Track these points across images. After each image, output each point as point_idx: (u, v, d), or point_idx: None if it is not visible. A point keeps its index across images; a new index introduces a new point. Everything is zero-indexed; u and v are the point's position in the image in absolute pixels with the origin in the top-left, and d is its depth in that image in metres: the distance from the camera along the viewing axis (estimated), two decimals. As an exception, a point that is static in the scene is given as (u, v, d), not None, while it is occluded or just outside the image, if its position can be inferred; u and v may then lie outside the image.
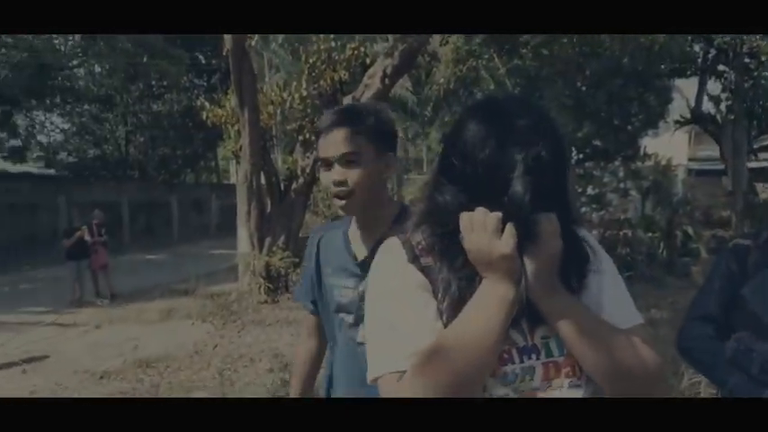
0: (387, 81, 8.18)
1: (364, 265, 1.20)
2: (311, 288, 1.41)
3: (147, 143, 20.46)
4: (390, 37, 8.82)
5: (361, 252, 1.32)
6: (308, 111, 8.49)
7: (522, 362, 0.91)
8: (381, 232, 1.20)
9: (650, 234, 9.08)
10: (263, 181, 8.21)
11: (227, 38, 7.64)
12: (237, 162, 8.83)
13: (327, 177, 1.27)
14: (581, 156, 9.87)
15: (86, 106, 19.99)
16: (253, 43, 9.93)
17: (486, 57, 10.15)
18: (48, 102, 18.65)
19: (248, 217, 8.13)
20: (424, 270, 0.95)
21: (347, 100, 8.16)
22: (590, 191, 9.68)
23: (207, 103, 9.01)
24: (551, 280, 0.91)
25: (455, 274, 0.94)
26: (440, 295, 0.93)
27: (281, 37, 14.72)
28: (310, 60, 8.71)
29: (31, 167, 20.10)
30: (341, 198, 1.27)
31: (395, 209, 1.34)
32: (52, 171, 20.09)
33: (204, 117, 8.90)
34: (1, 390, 4.64)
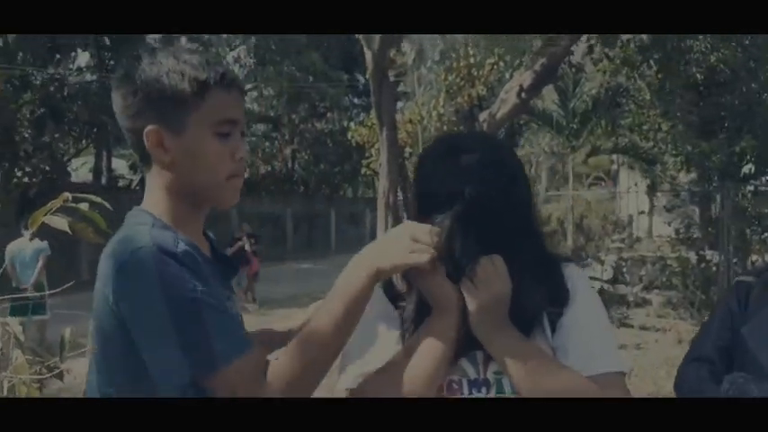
0: (523, 95, 8.05)
1: None
2: None
3: (310, 160, 21.94)
4: (528, 50, 8.66)
5: None
6: (445, 128, 8.61)
7: (470, 394, 0.92)
8: None
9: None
10: (400, 196, 8.45)
11: (369, 60, 8.04)
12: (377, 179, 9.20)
13: (231, 149, 0.95)
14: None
15: (258, 126, 21.98)
16: (409, 62, 10.28)
17: (644, 65, 9.53)
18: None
19: (386, 231, 8.40)
20: (399, 296, 1.01)
21: (483, 116, 8.17)
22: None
23: (352, 124, 9.51)
24: (496, 320, 0.92)
25: (414, 305, 0.98)
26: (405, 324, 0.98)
27: (437, 55, 15.05)
28: (449, 78, 8.85)
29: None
30: (239, 177, 0.98)
31: None
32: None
33: (350, 136, 9.41)
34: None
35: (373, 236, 9.46)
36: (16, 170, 14.25)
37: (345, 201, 23.53)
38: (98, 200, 1.65)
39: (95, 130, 15.91)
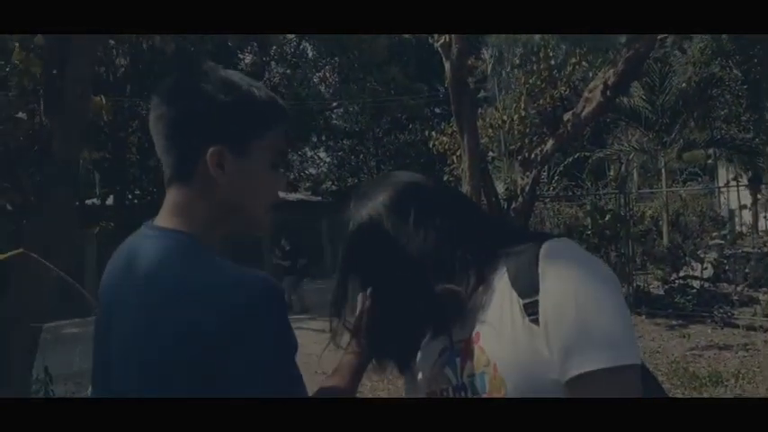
0: (608, 93, 7.89)
1: None
2: None
3: (393, 171, 22.19)
4: (612, 47, 8.49)
5: None
6: (527, 131, 8.58)
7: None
8: None
9: None
10: (484, 201, 8.49)
11: (447, 69, 8.17)
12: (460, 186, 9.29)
13: (279, 181, 0.99)
14: None
15: (345, 141, 22.59)
16: (489, 68, 10.29)
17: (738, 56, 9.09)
18: (315, 140, 21.60)
19: (471, 236, 8.44)
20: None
21: (567, 116, 8.07)
22: None
23: (433, 133, 9.66)
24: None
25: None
26: None
27: (516, 59, 14.93)
28: (530, 81, 8.82)
29: (302, 195, 23.42)
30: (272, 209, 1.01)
31: None
32: (319, 198, 23.13)
33: (431, 145, 9.56)
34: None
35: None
36: (127, 193, 15.59)
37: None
38: None
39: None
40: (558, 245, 0.93)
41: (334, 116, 22.11)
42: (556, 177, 13.86)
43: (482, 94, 18.91)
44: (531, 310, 0.88)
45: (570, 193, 12.48)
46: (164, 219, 0.92)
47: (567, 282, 0.87)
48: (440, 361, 1.00)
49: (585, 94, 8.14)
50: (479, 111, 9.17)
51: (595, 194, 11.10)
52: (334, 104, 21.25)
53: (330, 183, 24.00)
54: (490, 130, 8.90)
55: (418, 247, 0.97)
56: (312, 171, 24.35)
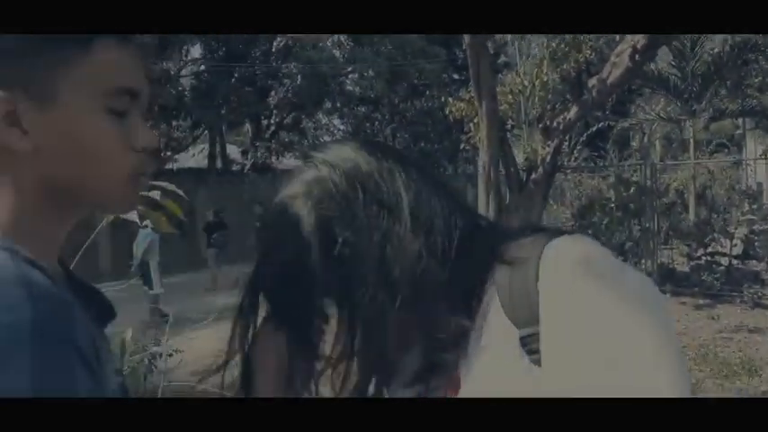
0: (637, 57, 7.43)
1: None
2: None
3: (410, 139, 21.89)
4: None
5: None
6: (549, 97, 8.18)
7: None
8: None
9: None
10: (502, 171, 8.17)
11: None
12: (477, 154, 8.94)
13: (128, 133, 0.64)
14: None
15: (359, 108, 22.20)
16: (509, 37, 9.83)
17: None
18: (329, 106, 21.25)
19: (487, 208, 8.19)
20: None
21: (592, 82, 7.67)
22: None
23: (449, 98, 9.29)
24: None
25: None
26: None
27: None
28: (553, 45, 8.37)
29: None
30: (140, 176, 0.68)
31: None
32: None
33: (447, 112, 9.20)
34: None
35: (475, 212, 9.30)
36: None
37: (446, 178, 23.28)
38: (172, 187, 1.62)
39: (208, 117, 16.77)
40: (566, 246, 0.64)
41: (348, 81, 21.66)
42: (578, 147, 13.44)
43: (502, 58, 18.35)
44: (532, 346, 0.62)
45: (593, 164, 12.08)
46: None
47: (580, 303, 0.59)
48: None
49: (612, 58, 7.70)
50: (499, 76, 8.75)
51: (619, 165, 10.72)
52: (349, 69, 20.77)
53: (344, 150, 23.71)
54: (510, 97, 8.51)
55: (377, 255, 0.67)
56: (326, 138, 24.04)
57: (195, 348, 5.22)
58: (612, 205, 8.97)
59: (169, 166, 17.65)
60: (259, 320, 0.76)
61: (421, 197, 0.69)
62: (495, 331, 0.65)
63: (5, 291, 0.53)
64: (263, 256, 0.74)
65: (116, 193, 0.65)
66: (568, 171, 10.93)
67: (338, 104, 21.44)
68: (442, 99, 10.63)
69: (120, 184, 0.64)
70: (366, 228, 0.67)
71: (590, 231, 8.93)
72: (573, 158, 12.69)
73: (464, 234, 0.70)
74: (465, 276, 0.68)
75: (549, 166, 8.03)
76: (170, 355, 3.66)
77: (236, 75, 17.62)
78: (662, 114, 11.46)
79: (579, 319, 0.59)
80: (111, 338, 0.81)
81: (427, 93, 21.45)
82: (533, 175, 8.21)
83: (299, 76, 18.80)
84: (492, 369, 0.65)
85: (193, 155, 19.37)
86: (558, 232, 0.68)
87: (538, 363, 0.61)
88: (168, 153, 17.99)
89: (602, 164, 11.75)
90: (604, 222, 8.91)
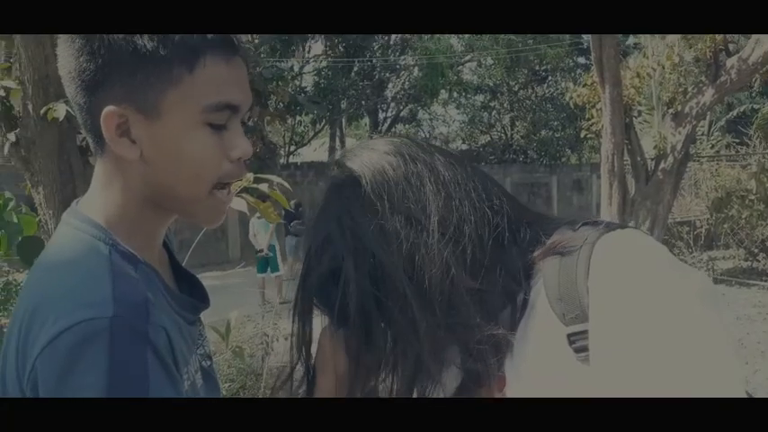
0: (787, 32, 6.69)
1: None
2: None
3: (529, 127, 21.27)
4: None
5: None
6: (682, 80, 7.59)
7: None
8: None
9: None
10: (627, 159, 7.72)
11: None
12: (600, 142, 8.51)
13: (226, 145, 0.70)
14: None
15: (476, 97, 21.88)
16: None
17: None
18: (446, 96, 21.16)
19: (610, 201, 7.77)
20: None
21: (732, 62, 7.03)
22: None
23: (571, 84, 8.91)
24: None
25: None
26: None
27: None
28: (687, 22, 7.74)
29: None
30: (229, 187, 0.74)
31: None
32: (450, 158, 22.81)
33: (568, 98, 8.82)
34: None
35: (599, 203, 8.82)
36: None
37: (568, 167, 22.35)
38: (279, 179, 1.70)
39: (329, 112, 17.32)
40: (620, 242, 0.62)
41: (465, 70, 21.40)
42: (716, 133, 12.33)
43: (631, 39, 17.25)
44: (579, 344, 0.61)
45: (733, 152, 11.04)
46: (87, 200, 0.73)
47: (633, 302, 0.57)
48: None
49: (754, 35, 7.01)
50: (625, 59, 8.23)
51: (763, 153, 9.70)
52: (467, 58, 20.51)
53: (461, 141, 23.48)
54: (637, 80, 7.97)
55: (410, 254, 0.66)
56: (442, 130, 23.94)
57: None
58: (753, 197, 8.15)
59: (293, 159, 18.48)
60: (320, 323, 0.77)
61: (450, 203, 0.67)
62: (543, 326, 0.64)
63: (93, 286, 0.62)
64: (309, 261, 0.73)
65: (206, 201, 0.70)
66: (704, 160, 10.08)
67: (455, 94, 21.27)
68: (564, 85, 10.18)
69: (210, 191, 0.70)
70: (394, 238, 0.66)
71: (726, 225, 8.21)
72: (710, 146, 11.68)
73: (501, 236, 0.68)
74: (501, 281, 0.66)
75: (680, 155, 7.46)
76: (286, 339, 3.86)
77: (355, 69, 18.03)
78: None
79: (631, 318, 0.56)
80: (215, 323, 0.86)
81: (549, 79, 20.69)
82: (662, 165, 7.67)
83: (415, 68, 18.89)
84: (537, 366, 0.63)
85: (315, 149, 20.13)
86: (611, 226, 0.65)
87: (585, 361, 0.59)
88: (292, 148, 18.84)
89: (743, 152, 10.69)
90: (744, 216, 8.13)
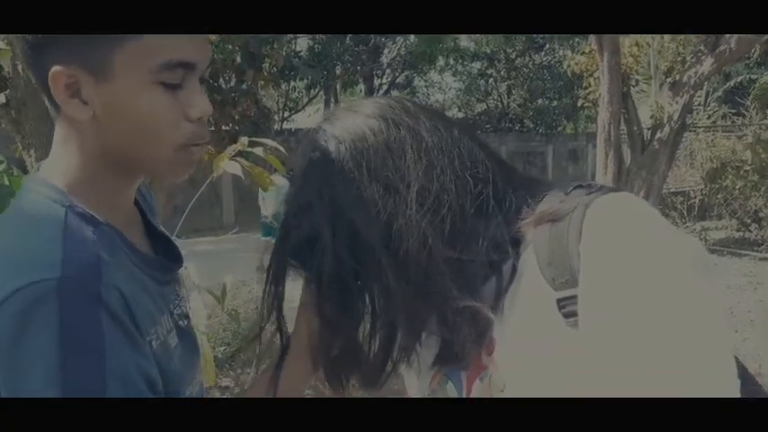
0: (788, 1, 6.62)
1: None
2: None
3: (525, 95, 21.12)
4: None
5: None
6: (681, 49, 7.52)
7: None
8: None
9: None
10: (623, 129, 7.69)
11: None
12: (596, 111, 8.46)
13: (184, 104, 0.67)
14: None
15: (473, 64, 21.65)
16: None
17: None
18: (442, 63, 20.92)
19: (605, 170, 7.77)
20: None
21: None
22: None
23: (569, 52, 8.81)
24: None
25: None
26: None
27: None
28: (688, -11, 7.63)
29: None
30: (195, 146, 0.70)
31: None
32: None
33: (565, 66, 8.74)
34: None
35: (594, 173, 8.82)
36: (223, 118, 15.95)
37: (564, 137, 22.29)
38: (273, 143, 1.68)
39: (323, 77, 17.09)
40: (613, 206, 0.61)
41: (462, 37, 21.12)
42: (713, 104, 12.28)
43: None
44: (569, 309, 0.60)
45: (729, 122, 11.01)
46: (48, 163, 0.71)
47: (624, 267, 0.56)
48: (435, 373, 0.74)
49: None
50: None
51: (760, 124, 9.69)
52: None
53: (457, 109, 23.31)
54: (635, 49, 7.89)
55: (396, 217, 0.65)
56: (438, 97, 23.73)
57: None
58: (748, 168, 8.16)
59: (287, 125, 18.32)
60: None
61: (431, 172, 0.66)
62: (531, 291, 0.63)
63: (44, 248, 0.61)
64: (287, 226, 0.72)
65: (169, 162, 0.69)
66: (700, 130, 10.06)
67: (452, 61, 21.03)
68: (561, 53, 10.07)
69: (172, 152, 0.68)
70: (371, 207, 0.64)
71: (720, 196, 8.24)
72: (706, 116, 11.64)
73: (486, 204, 0.67)
74: (484, 251, 0.65)
75: (676, 125, 7.43)
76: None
77: (349, 34, 17.75)
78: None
79: (622, 283, 0.55)
80: (210, 287, 0.87)
81: (547, 46, 20.46)
82: (659, 134, 7.64)
83: (411, 34, 18.64)
84: (526, 332, 0.63)
85: (309, 115, 19.95)
86: (604, 189, 0.64)
87: (575, 326, 0.59)
88: (286, 114, 18.65)
89: (740, 122, 10.67)
90: (738, 187, 8.16)
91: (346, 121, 0.70)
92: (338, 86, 19.00)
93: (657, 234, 0.58)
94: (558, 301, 0.60)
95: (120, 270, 0.65)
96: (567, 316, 0.60)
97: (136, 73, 0.64)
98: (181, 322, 0.78)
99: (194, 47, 0.66)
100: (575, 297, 0.59)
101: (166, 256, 0.79)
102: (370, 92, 20.27)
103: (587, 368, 0.57)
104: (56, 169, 0.69)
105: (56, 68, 0.63)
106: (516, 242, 0.66)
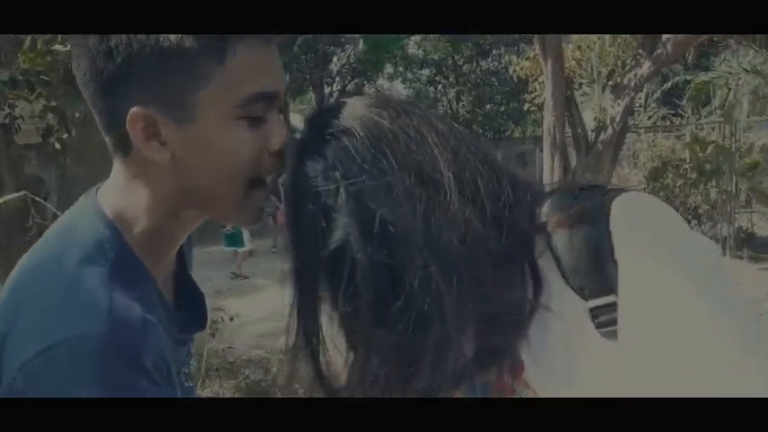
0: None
1: None
2: None
3: (473, 101, 21.45)
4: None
5: None
6: (621, 53, 7.76)
7: None
8: None
9: None
10: (568, 132, 7.87)
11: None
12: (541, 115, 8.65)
13: (265, 137, 0.64)
14: None
15: (422, 71, 21.87)
16: None
17: None
18: (392, 71, 21.06)
19: (552, 171, 7.93)
20: None
21: (667, 35, 7.20)
22: None
23: (514, 57, 8.99)
24: None
25: None
26: None
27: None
28: (625, -5, 7.90)
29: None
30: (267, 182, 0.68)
31: None
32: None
33: (511, 71, 8.90)
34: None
35: (542, 176, 9.00)
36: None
37: (512, 141, 22.72)
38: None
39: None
40: (638, 209, 0.57)
41: (410, 44, 21.32)
42: (652, 105, 12.72)
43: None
44: (604, 319, 0.55)
45: (668, 123, 11.41)
46: (106, 191, 0.66)
47: (667, 274, 0.52)
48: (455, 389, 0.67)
49: (691, 7, 7.22)
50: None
51: (696, 124, 10.07)
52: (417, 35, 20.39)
53: (408, 115, 23.49)
54: (578, 53, 8.11)
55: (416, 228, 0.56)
56: (389, 103, 23.82)
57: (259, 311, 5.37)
58: (687, 166, 8.47)
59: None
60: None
61: (458, 158, 0.58)
62: (559, 303, 0.58)
63: (90, 296, 0.57)
64: (302, 246, 0.60)
65: (241, 204, 0.64)
66: (641, 131, 10.39)
67: (401, 69, 21.19)
68: (507, 58, 10.26)
69: (247, 189, 0.64)
70: (404, 199, 0.55)
71: (662, 194, 8.51)
72: (647, 118, 12.04)
73: (512, 196, 0.60)
74: (519, 245, 0.59)
75: (619, 126, 7.65)
76: (231, 320, 3.76)
77: (298, 43, 17.67)
78: (747, 67, 10.64)
79: (669, 291, 0.52)
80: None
81: (493, 52, 20.84)
82: (602, 136, 7.85)
83: (360, 42, 18.67)
84: (557, 347, 0.58)
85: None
86: (615, 191, 0.59)
87: (611, 336, 0.54)
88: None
89: (678, 122, 11.07)
90: (678, 185, 8.45)
91: (345, 111, 0.61)
92: (287, 95, 18.88)
93: (688, 236, 0.56)
94: (591, 310, 0.56)
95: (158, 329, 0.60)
96: (601, 326, 0.56)
97: (220, 111, 0.60)
98: (186, 383, 0.73)
99: (274, 76, 0.63)
100: (611, 305, 0.55)
101: (194, 314, 0.74)
102: (321, 100, 20.20)
103: (628, 376, 0.53)
104: (117, 204, 0.64)
105: (135, 110, 0.59)
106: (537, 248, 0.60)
